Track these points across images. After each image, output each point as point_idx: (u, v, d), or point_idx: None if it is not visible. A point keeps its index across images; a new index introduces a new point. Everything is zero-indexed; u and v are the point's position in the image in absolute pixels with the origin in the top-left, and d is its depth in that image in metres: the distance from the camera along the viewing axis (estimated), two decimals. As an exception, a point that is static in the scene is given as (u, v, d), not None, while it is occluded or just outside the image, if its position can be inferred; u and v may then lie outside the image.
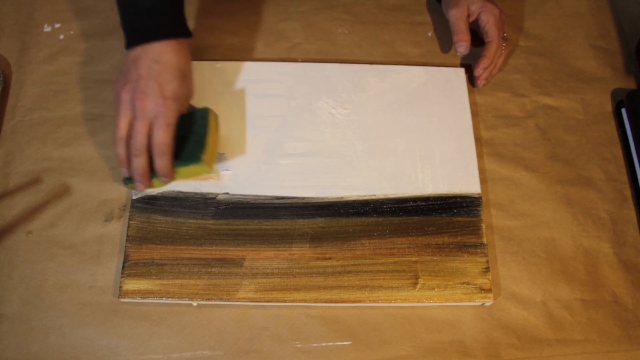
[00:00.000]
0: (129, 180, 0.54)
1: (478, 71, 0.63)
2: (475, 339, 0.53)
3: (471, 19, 0.64)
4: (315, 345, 0.52)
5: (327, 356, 0.52)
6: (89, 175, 0.58)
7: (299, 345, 0.52)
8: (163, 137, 0.50)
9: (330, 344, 0.52)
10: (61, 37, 0.65)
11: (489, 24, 0.62)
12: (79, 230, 0.55)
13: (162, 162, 0.51)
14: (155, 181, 0.54)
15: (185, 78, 0.53)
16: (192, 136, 0.53)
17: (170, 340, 0.51)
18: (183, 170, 0.53)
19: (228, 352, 0.51)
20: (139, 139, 0.50)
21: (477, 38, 0.65)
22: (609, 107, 0.65)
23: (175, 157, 0.52)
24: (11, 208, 0.56)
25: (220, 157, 0.57)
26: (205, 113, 0.55)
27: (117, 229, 0.55)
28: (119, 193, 0.57)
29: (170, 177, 0.53)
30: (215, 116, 0.56)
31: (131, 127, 0.51)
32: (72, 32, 0.65)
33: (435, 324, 0.53)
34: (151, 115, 0.50)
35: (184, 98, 0.53)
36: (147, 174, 0.52)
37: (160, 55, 0.51)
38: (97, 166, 0.58)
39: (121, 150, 0.52)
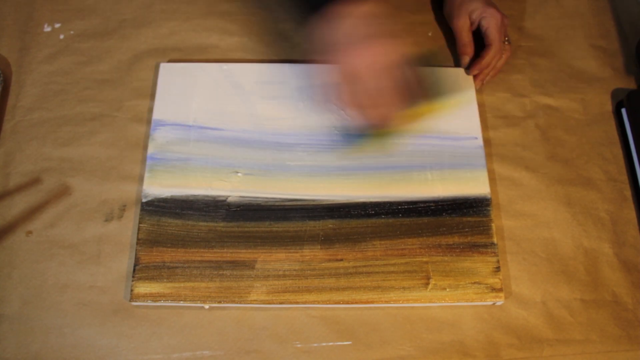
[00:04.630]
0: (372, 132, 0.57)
1: (472, 71, 0.63)
2: (475, 339, 0.53)
3: (474, 27, 0.64)
4: (315, 345, 0.52)
5: (327, 356, 0.52)
6: (89, 175, 0.58)
7: (299, 345, 0.52)
8: (383, 83, 0.50)
9: (330, 344, 0.52)
10: (61, 37, 0.65)
11: (490, 28, 0.62)
12: (79, 230, 0.55)
13: (388, 108, 0.52)
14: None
15: (372, 22, 0.51)
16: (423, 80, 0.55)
17: (171, 340, 0.51)
18: (422, 108, 0.55)
19: (228, 352, 0.51)
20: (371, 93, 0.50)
21: (483, 45, 0.65)
22: (609, 107, 0.65)
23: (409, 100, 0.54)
24: (11, 208, 0.56)
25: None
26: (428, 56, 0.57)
27: (117, 229, 0.55)
28: (119, 193, 0.57)
29: (390, 120, 0.54)
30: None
31: (355, 87, 0.51)
32: (72, 32, 0.65)
33: (435, 324, 0.53)
34: (355, 66, 0.50)
35: (382, 38, 0.50)
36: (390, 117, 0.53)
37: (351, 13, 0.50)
38: (97, 166, 0.58)
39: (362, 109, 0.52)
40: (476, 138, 0.60)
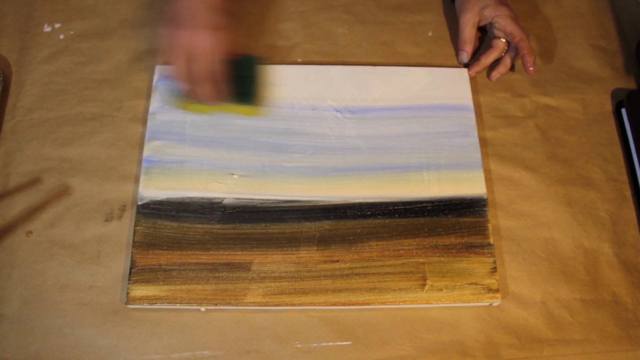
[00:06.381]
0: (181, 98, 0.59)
1: (530, 70, 0.62)
2: (475, 339, 0.53)
3: (483, 23, 0.65)
4: (315, 345, 0.52)
5: (327, 356, 0.52)
6: (89, 175, 0.58)
7: (299, 345, 0.52)
8: (202, 66, 0.54)
9: (330, 344, 0.52)
10: (61, 37, 0.65)
11: (509, 25, 0.62)
12: (79, 230, 0.55)
13: (204, 89, 0.55)
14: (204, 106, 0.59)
15: (217, 12, 0.55)
16: (244, 79, 0.58)
17: (170, 340, 0.51)
18: (237, 107, 0.59)
19: (228, 352, 0.51)
20: (197, 69, 0.54)
21: (481, 40, 0.66)
22: (609, 107, 0.65)
23: (233, 95, 0.58)
24: (11, 208, 0.56)
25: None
26: (253, 60, 0.60)
27: (117, 229, 0.55)
28: (119, 193, 0.57)
29: (215, 101, 0.57)
30: (260, 62, 0.61)
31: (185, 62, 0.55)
32: (72, 32, 0.65)
33: (435, 324, 0.53)
34: (193, 47, 0.54)
35: (220, 29, 0.55)
36: (213, 95, 0.56)
37: None
38: (97, 166, 0.58)
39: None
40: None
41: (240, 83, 0.58)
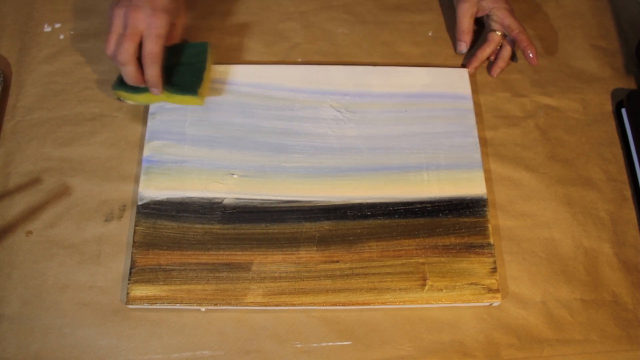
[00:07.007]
0: (119, 87, 0.56)
1: (534, 60, 0.62)
2: (475, 339, 0.53)
3: (481, 14, 0.65)
4: (315, 345, 0.52)
5: (327, 356, 0.52)
6: (89, 175, 0.58)
7: (299, 345, 0.52)
8: (152, 47, 0.52)
9: (330, 344, 0.52)
10: (61, 37, 0.65)
11: (507, 19, 0.63)
12: (79, 230, 0.55)
13: (151, 71, 0.53)
14: (144, 96, 0.56)
15: None
16: (189, 67, 0.57)
17: (171, 340, 0.51)
18: (177, 97, 0.57)
19: (228, 352, 0.51)
20: (127, 47, 0.52)
21: (478, 33, 0.66)
22: (609, 107, 0.65)
23: (172, 84, 0.56)
24: (11, 208, 0.56)
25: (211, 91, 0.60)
26: (205, 47, 0.58)
27: (117, 229, 0.55)
28: (119, 193, 0.57)
29: (159, 88, 0.54)
30: (212, 52, 0.59)
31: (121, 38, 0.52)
32: (72, 32, 0.65)
33: (435, 324, 0.53)
34: (142, 27, 0.52)
35: (174, 12, 0.54)
36: (139, 80, 0.54)
37: None
38: (97, 166, 0.58)
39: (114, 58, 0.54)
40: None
41: (183, 71, 0.57)
